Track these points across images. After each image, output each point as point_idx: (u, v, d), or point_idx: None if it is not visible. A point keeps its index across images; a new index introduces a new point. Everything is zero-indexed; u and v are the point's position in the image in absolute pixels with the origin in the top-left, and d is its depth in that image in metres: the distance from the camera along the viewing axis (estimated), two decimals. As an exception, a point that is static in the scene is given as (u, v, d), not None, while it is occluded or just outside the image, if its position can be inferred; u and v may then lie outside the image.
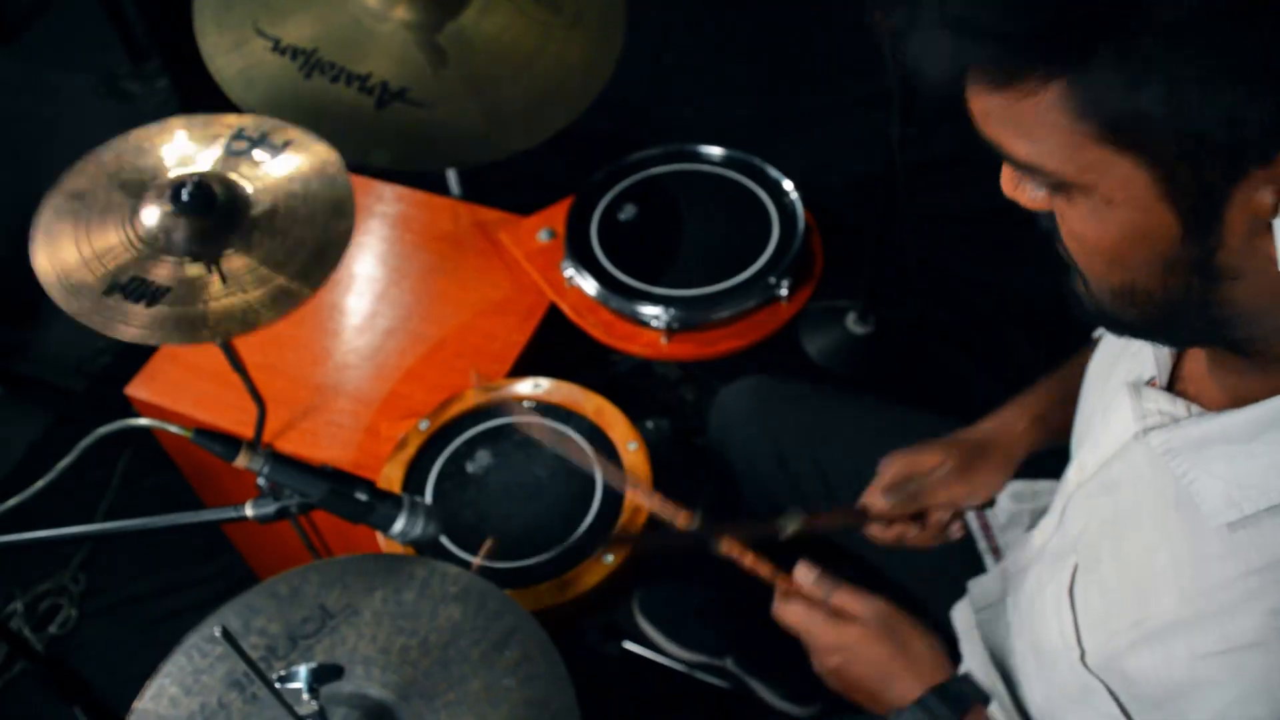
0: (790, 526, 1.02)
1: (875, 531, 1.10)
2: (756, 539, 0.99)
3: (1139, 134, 0.54)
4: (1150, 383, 0.77)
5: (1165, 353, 0.76)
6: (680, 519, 1.03)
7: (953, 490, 1.06)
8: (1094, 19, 0.52)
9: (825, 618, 0.89)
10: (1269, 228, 0.55)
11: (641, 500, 1.09)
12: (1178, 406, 0.72)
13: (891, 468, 1.09)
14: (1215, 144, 0.52)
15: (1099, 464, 0.81)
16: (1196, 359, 0.74)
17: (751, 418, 1.32)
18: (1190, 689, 0.68)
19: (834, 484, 1.26)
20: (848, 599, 0.89)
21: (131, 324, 1.00)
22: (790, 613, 0.90)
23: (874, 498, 1.08)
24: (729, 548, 0.96)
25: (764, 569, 0.94)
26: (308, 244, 1.07)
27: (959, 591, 1.11)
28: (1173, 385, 0.76)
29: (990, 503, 1.09)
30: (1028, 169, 0.60)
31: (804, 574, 0.91)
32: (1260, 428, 0.65)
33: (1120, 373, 0.83)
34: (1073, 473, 0.86)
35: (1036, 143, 0.57)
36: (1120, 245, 0.60)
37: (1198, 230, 0.57)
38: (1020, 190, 0.65)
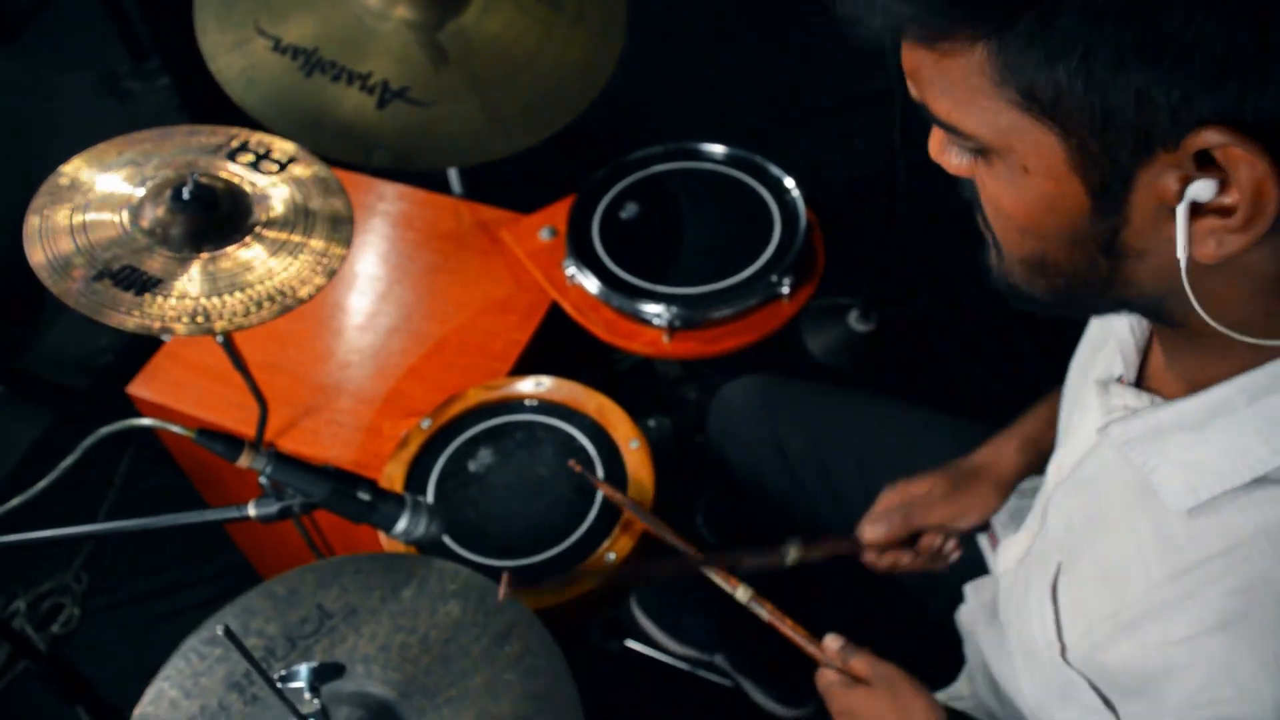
0: (791, 555, 1.08)
1: (870, 559, 1.12)
2: (759, 567, 1.08)
3: (1054, 104, 0.55)
4: (1120, 380, 0.78)
5: (1133, 350, 0.77)
6: (691, 550, 1.08)
7: (942, 511, 1.08)
8: None
9: (841, 681, 0.96)
10: (1173, 213, 0.56)
11: (650, 527, 1.13)
12: (1141, 400, 0.73)
13: (884, 498, 1.12)
14: (1125, 122, 0.53)
15: (1074, 463, 0.82)
16: (1159, 353, 0.75)
17: (754, 415, 1.32)
18: (1164, 676, 0.68)
19: (838, 485, 1.26)
20: (859, 663, 0.96)
21: (118, 310, 1.00)
22: (820, 678, 0.98)
23: (867, 527, 1.11)
24: (771, 615, 1.02)
25: (800, 635, 1.00)
26: (303, 254, 1.07)
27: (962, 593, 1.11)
28: (1141, 382, 0.77)
29: (984, 525, 1.11)
30: (950, 129, 0.61)
31: (830, 642, 0.98)
32: (1211, 413, 0.65)
33: (1094, 373, 0.83)
34: (1051, 473, 0.87)
35: (959, 104, 0.59)
36: (1033, 214, 0.61)
37: (1105, 206, 0.58)
38: (946, 155, 0.67)
